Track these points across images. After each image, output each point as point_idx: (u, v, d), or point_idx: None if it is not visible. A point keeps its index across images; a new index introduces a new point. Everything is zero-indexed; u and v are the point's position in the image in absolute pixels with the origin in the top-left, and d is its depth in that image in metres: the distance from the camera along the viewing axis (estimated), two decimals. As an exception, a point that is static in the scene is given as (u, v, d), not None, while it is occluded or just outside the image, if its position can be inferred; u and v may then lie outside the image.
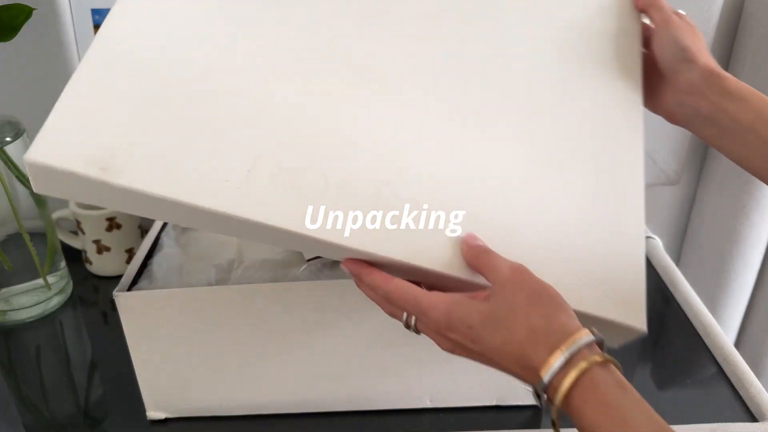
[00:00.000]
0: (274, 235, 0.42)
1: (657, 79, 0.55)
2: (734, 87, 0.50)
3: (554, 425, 0.38)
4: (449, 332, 0.41)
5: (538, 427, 0.62)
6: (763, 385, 0.64)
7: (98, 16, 0.82)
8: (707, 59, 0.52)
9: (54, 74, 0.82)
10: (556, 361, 0.36)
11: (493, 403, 0.63)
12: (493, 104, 0.51)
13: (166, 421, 0.62)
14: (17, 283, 0.74)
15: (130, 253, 0.82)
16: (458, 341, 0.41)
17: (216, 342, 0.58)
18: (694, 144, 0.95)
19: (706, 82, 0.50)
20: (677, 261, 1.03)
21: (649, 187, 0.97)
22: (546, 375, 0.36)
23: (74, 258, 0.83)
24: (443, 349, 0.43)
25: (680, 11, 0.55)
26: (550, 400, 0.37)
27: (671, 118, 0.56)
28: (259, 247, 0.64)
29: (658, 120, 0.89)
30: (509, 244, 0.45)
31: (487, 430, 0.61)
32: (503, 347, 0.39)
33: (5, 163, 0.69)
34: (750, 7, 0.83)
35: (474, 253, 0.43)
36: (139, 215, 0.49)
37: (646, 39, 0.57)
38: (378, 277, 0.43)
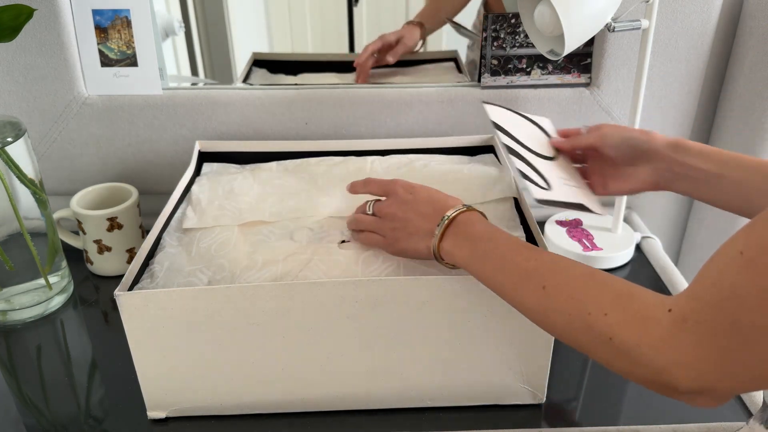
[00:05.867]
0: None
1: (628, 171, 0.68)
2: (694, 146, 0.62)
3: (438, 255, 0.57)
4: (396, 186, 0.62)
5: (536, 426, 0.62)
6: (761, 385, 0.64)
7: (99, 17, 0.82)
8: (658, 134, 0.64)
9: (54, 74, 0.83)
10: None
11: (492, 402, 0.63)
12: None
13: (166, 420, 0.62)
14: (18, 283, 0.75)
15: (131, 253, 0.82)
16: (399, 194, 0.61)
17: (216, 342, 0.58)
18: (694, 144, 0.95)
19: (671, 149, 0.63)
20: (676, 261, 1.04)
21: (649, 187, 0.97)
22: (450, 211, 0.57)
23: (75, 258, 0.83)
24: (379, 211, 0.62)
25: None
26: (444, 228, 0.56)
27: (654, 187, 0.67)
28: (260, 247, 0.64)
29: (657, 120, 0.90)
30: None
31: (487, 429, 0.61)
32: (429, 196, 0.60)
33: (6, 163, 0.69)
34: (750, 7, 0.83)
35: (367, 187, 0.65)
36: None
37: (596, 151, 0.70)
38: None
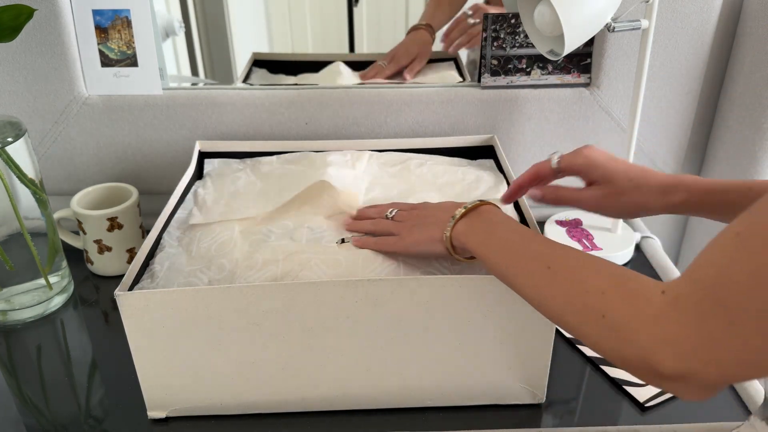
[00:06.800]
0: None
1: (632, 208, 0.62)
2: (673, 179, 0.59)
3: (453, 249, 0.58)
4: (425, 202, 0.66)
5: (536, 426, 0.62)
6: (761, 384, 0.64)
7: (99, 17, 0.82)
8: (638, 172, 0.60)
9: (54, 74, 0.83)
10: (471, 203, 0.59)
11: (492, 402, 0.63)
12: None
13: (166, 420, 0.62)
14: (18, 283, 0.75)
15: (132, 252, 0.82)
16: (426, 203, 0.65)
17: (216, 342, 0.58)
18: (693, 144, 0.95)
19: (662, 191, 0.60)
20: (676, 261, 1.04)
21: (649, 187, 0.96)
22: (459, 209, 0.58)
23: (75, 258, 0.83)
24: (401, 215, 0.64)
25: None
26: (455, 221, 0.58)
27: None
28: (260, 247, 0.64)
29: (657, 120, 0.90)
30: None
31: (487, 429, 0.61)
32: (442, 203, 0.63)
33: (6, 163, 0.69)
34: (750, 7, 0.83)
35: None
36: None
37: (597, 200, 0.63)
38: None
